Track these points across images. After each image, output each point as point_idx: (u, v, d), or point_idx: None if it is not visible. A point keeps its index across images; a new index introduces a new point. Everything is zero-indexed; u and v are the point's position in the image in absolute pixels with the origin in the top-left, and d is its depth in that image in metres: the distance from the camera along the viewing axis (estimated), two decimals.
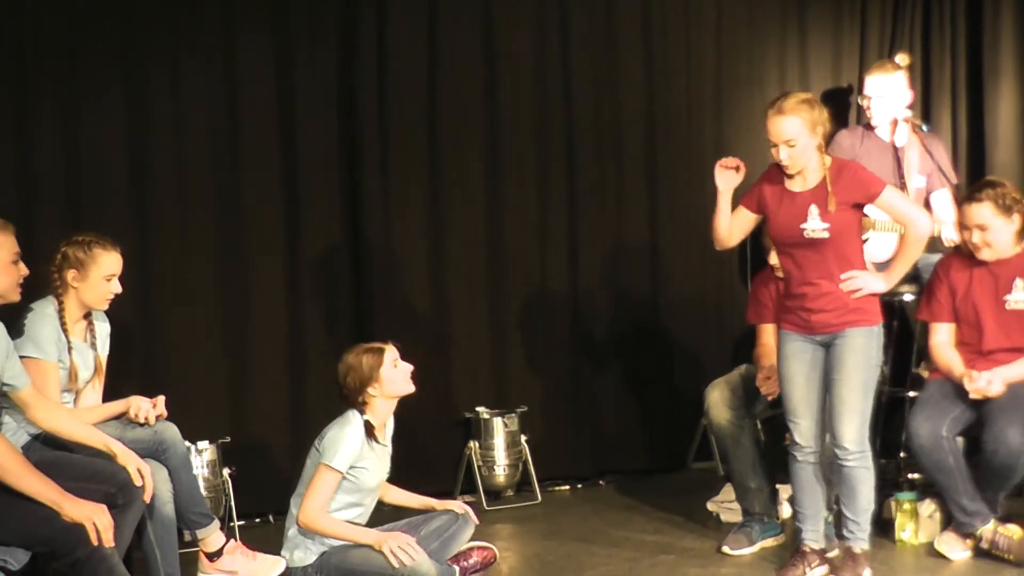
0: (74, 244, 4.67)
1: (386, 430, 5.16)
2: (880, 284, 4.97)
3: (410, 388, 5.10)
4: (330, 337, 6.44)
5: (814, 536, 5.14)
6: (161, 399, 4.73)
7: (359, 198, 6.51)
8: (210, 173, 6.17)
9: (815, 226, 4.89)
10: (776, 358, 5.64)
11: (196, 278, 6.14)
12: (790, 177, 4.97)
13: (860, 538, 5.03)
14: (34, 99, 5.76)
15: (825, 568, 5.14)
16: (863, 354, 4.92)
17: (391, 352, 5.05)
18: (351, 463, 4.93)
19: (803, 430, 5.04)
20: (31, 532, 3.98)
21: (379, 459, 5.08)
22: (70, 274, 4.63)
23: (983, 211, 5.32)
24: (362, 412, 5.02)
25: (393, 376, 5.03)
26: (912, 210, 5.06)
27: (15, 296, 4.28)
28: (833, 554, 5.25)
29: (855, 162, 5.15)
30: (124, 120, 5.97)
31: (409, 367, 5.09)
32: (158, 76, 6.03)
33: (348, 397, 5.04)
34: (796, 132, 4.85)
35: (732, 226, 5.18)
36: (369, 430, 5.00)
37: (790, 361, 5.06)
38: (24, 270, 4.27)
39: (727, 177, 5.17)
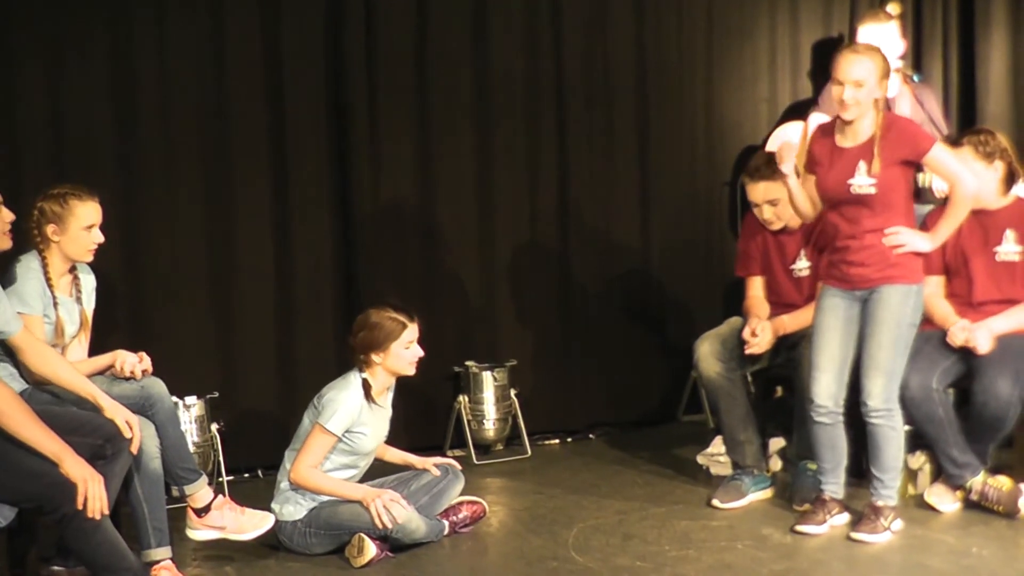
0: (49, 198, 4.60)
1: (387, 394, 5.16)
2: (924, 243, 4.96)
3: (410, 372, 5.13)
4: (318, 291, 6.41)
5: (835, 488, 5.17)
6: (144, 355, 4.71)
7: (347, 150, 6.45)
8: (196, 124, 6.10)
9: (862, 182, 4.88)
10: (763, 313, 5.68)
11: (182, 232, 6.10)
12: (841, 133, 4.96)
13: (885, 495, 5.05)
14: (17, 49, 5.70)
15: (846, 516, 5.16)
16: (896, 312, 4.91)
17: (412, 331, 5.05)
18: (347, 427, 4.94)
19: (821, 386, 5.05)
20: (17, 487, 3.97)
21: (378, 422, 5.08)
22: (49, 228, 4.58)
23: (963, 156, 5.29)
24: (361, 370, 5.01)
25: (401, 354, 5.03)
26: (959, 170, 4.98)
27: (6, 243, 4.25)
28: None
29: (907, 118, 5.12)
30: (108, 69, 5.90)
31: (419, 353, 5.10)
32: (143, 25, 5.96)
33: (352, 349, 5.04)
34: (867, 74, 4.83)
35: (812, 195, 5.14)
36: (367, 390, 4.99)
37: (825, 314, 5.06)
38: (9, 215, 4.23)
39: (785, 159, 5.09)
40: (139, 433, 4.26)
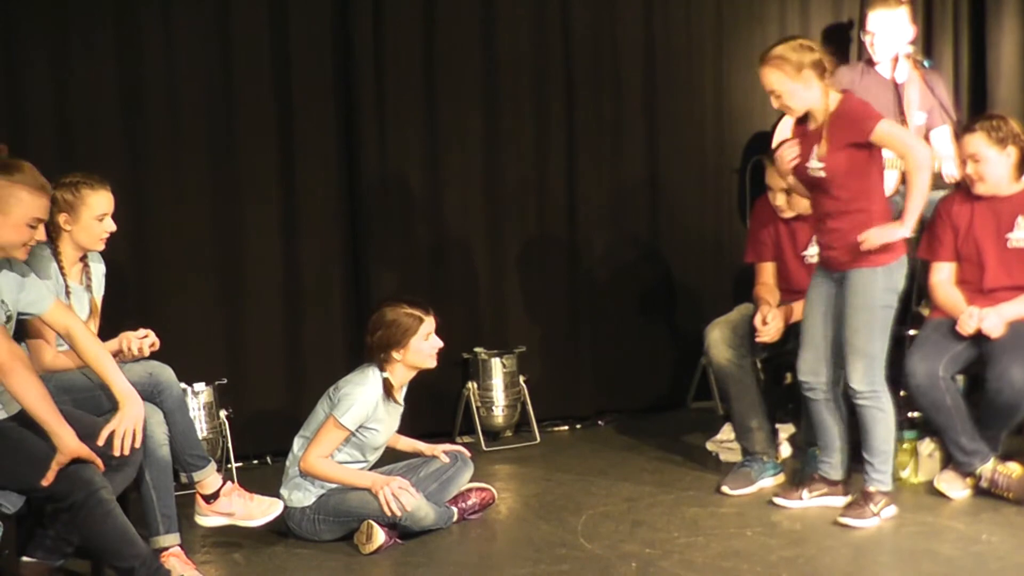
0: (62, 186, 4.58)
1: (403, 391, 5.15)
2: (900, 230, 4.87)
3: (432, 364, 5.11)
4: (326, 278, 6.41)
5: (826, 467, 5.23)
6: (149, 332, 4.69)
7: (355, 137, 6.44)
8: (203, 110, 6.10)
9: (813, 165, 4.94)
10: (773, 299, 5.67)
11: (190, 217, 6.10)
12: (810, 118, 5.01)
13: (875, 479, 5.06)
14: (23, 38, 5.69)
15: (827, 498, 5.20)
16: (865, 295, 4.93)
17: (429, 324, 5.04)
18: (361, 423, 4.93)
19: (803, 363, 5.16)
20: (27, 475, 3.96)
21: (391, 419, 5.08)
22: (61, 217, 4.56)
23: (975, 141, 5.31)
24: (382, 369, 5.00)
25: (421, 348, 5.02)
26: (909, 140, 4.97)
27: (19, 255, 4.09)
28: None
29: (857, 100, 5.05)
30: (114, 56, 5.89)
31: (439, 344, 5.08)
32: (149, 11, 5.95)
33: (371, 349, 5.02)
34: (776, 81, 4.92)
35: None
36: (388, 389, 4.99)
37: (811, 294, 5.17)
38: (41, 235, 4.13)
39: None
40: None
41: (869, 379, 4.96)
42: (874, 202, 4.97)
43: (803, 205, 5.56)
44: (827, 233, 5.02)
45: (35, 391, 3.96)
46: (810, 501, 5.20)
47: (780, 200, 5.66)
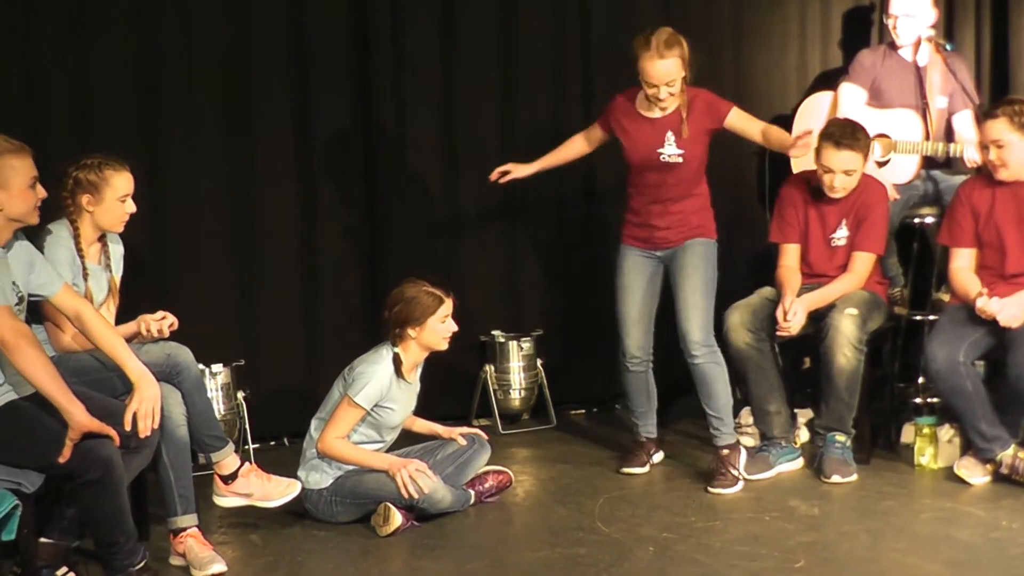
0: (84, 167, 4.58)
1: (416, 370, 5.15)
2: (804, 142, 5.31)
3: (444, 347, 5.14)
4: (343, 260, 6.41)
5: (650, 429, 5.76)
6: (167, 313, 4.72)
7: (372, 118, 6.44)
8: (220, 90, 6.08)
9: (671, 151, 5.32)
10: (795, 284, 5.63)
11: (207, 199, 6.10)
12: (646, 103, 5.34)
13: (724, 433, 5.47)
14: (41, 19, 5.68)
15: (661, 454, 5.79)
16: (704, 259, 5.44)
17: (447, 306, 5.07)
18: (376, 401, 4.94)
19: (633, 339, 5.61)
20: (44, 453, 3.97)
21: (406, 398, 5.09)
22: (84, 198, 4.56)
23: (998, 126, 5.27)
24: (395, 344, 5.00)
25: (436, 328, 5.04)
26: (758, 121, 5.45)
27: (33, 219, 4.20)
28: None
29: (704, 89, 5.40)
30: (132, 37, 5.88)
31: (454, 327, 5.11)
32: None
33: (386, 323, 5.03)
34: (677, 71, 5.20)
35: (590, 138, 5.81)
36: (398, 366, 4.98)
37: (632, 273, 5.60)
38: (42, 192, 4.19)
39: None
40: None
41: (707, 334, 5.38)
42: (705, 184, 5.53)
43: (852, 184, 5.54)
44: (664, 215, 5.43)
45: (42, 367, 3.98)
46: (650, 463, 5.67)
47: (839, 182, 5.51)
